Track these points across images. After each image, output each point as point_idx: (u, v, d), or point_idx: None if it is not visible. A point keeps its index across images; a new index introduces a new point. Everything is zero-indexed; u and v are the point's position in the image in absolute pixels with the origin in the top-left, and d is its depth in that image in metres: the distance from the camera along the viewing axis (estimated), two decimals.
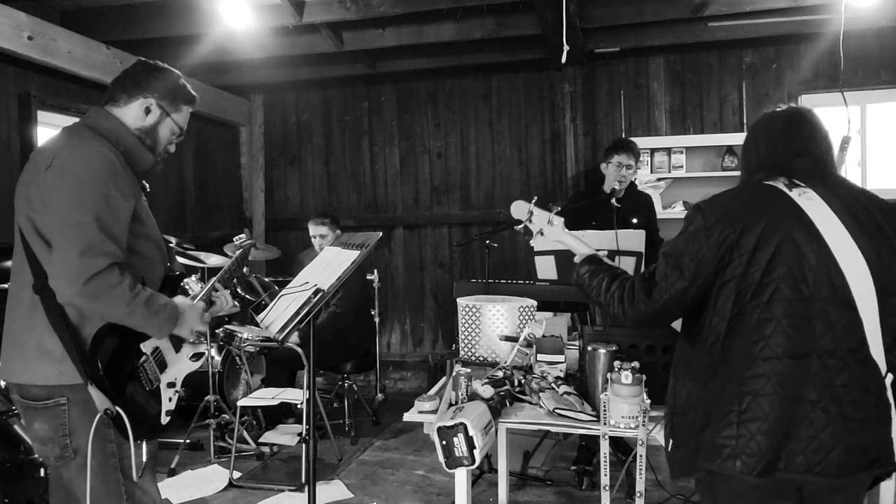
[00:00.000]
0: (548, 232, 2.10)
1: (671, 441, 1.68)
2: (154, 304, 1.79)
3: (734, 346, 1.54)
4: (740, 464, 1.49)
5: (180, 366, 2.03)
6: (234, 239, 2.57)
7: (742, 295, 1.54)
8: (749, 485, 1.52)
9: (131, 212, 1.82)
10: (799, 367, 1.49)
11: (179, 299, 1.95)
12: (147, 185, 1.99)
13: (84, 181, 1.73)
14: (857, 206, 1.59)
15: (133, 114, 1.93)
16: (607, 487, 2.12)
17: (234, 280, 4.54)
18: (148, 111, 1.94)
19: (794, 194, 1.59)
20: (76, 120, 4.66)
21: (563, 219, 2.12)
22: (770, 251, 1.52)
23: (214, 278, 2.19)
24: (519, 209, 2.16)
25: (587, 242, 2.03)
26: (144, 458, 1.86)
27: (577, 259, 2.01)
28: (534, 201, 2.14)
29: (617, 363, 2.03)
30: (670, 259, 1.63)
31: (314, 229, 4.59)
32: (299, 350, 3.86)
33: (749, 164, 1.76)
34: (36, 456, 2.80)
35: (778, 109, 1.80)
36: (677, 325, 1.84)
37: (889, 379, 1.54)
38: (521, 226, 2.16)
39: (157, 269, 1.96)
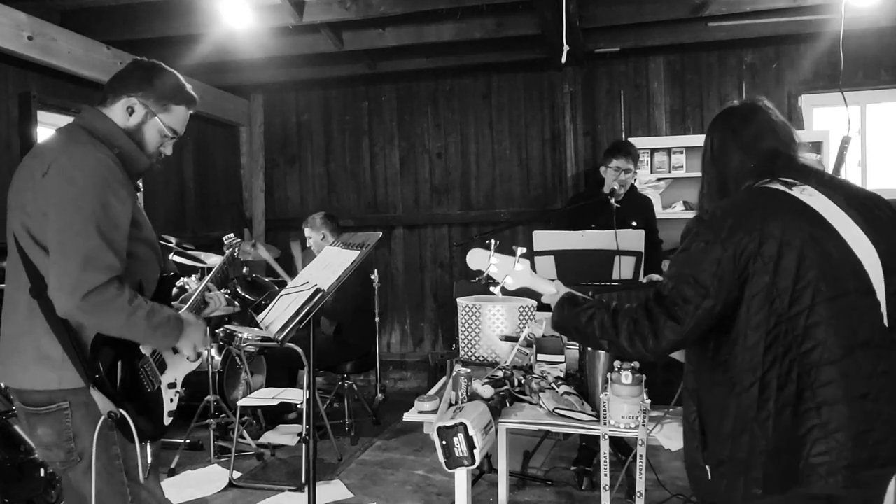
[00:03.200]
0: (513, 278, 1.95)
1: (709, 469, 1.57)
2: (155, 318, 1.77)
3: (784, 358, 1.46)
4: (841, 478, 1.43)
5: (179, 366, 2.02)
6: (224, 239, 2.58)
7: (777, 304, 1.46)
8: (827, 498, 1.46)
9: (130, 218, 1.79)
10: (852, 364, 1.45)
11: (185, 314, 1.94)
12: (140, 186, 1.97)
13: (83, 189, 1.70)
14: (847, 195, 1.58)
15: (118, 114, 1.89)
16: (607, 487, 2.12)
17: (234, 279, 4.57)
18: (131, 111, 1.89)
19: (797, 192, 1.56)
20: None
21: (528, 262, 1.95)
22: (795, 255, 1.46)
23: (207, 278, 2.19)
24: (476, 259, 1.97)
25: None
26: (149, 460, 1.85)
27: (545, 300, 1.89)
28: (494, 247, 1.96)
29: (617, 363, 2.03)
30: (688, 279, 1.52)
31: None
32: (299, 350, 3.86)
33: (721, 170, 1.69)
34: (36, 456, 2.80)
35: (735, 106, 1.73)
36: (676, 354, 1.74)
37: None
38: (484, 275, 1.97)
39: (153, 271, 1.95)
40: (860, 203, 1.58)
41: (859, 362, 1.46)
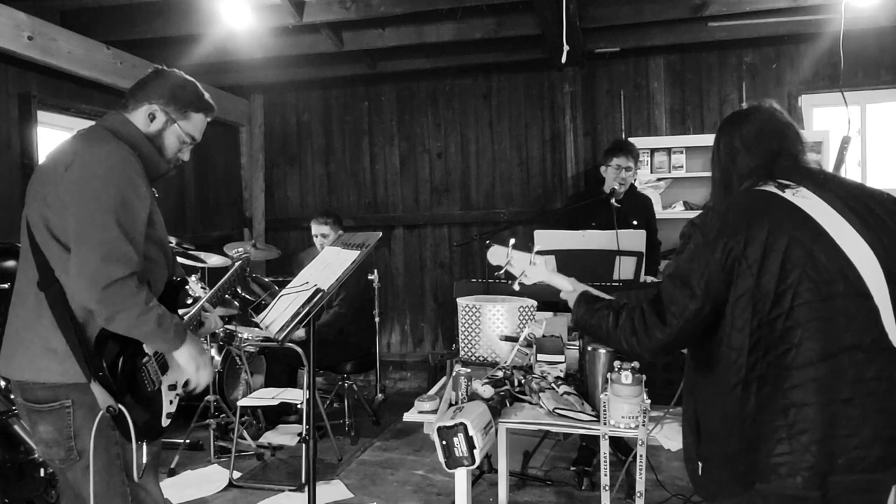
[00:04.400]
0: (531, 273, 2.06)
1: (700, 464, 1.62)
2: (165, 322, 1.80)
3: (764, 360, 1.49)
4: (801, 480, 1.44)
5: (181, 370, 2.02)
6: (233, 253, 2.53)
7: (759, 306, 1.49)
8: (788, 497, 1.48)
9: (147, 215, 1.83)
10: (831, 368, 1.46)
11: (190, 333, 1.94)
12: (156, 192, 1.99)
13: (104, 182, 1.74)
14: (849, 198, 1.57)
15: (140, 120, 1.94)
16: (607, 487, 2.12)
17: (231, 289, 4.56)
18: (153, 117, 1.94)
19: (788, 195, 1.56)
20: (76, 120, 4.63)
21: (544, 258, 2.07)
22: (779, 257, 1.48)
23: (205, 297, 2.18)
24: (496, 255, 2.10)
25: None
26: (145, 459, 1.86)
27: (563, 296, 1.97)
28: (511, 244, 2.08)
29: (617, 363, 2.03)
30: (676, 280, 1.57)
31: (316, 228, 4.61)
32: (299, 349, 3.86)
33: (726, 170, 1.72)
34: (36, 456, 2.80)
35: (742, 109, 1.77)
36: None
37: None
38: (502, 271, 2.10)
39: (162, 273, 1.97)
40: (861, 204, 1.57)
41: (843, 366, 1.46)
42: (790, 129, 1.71)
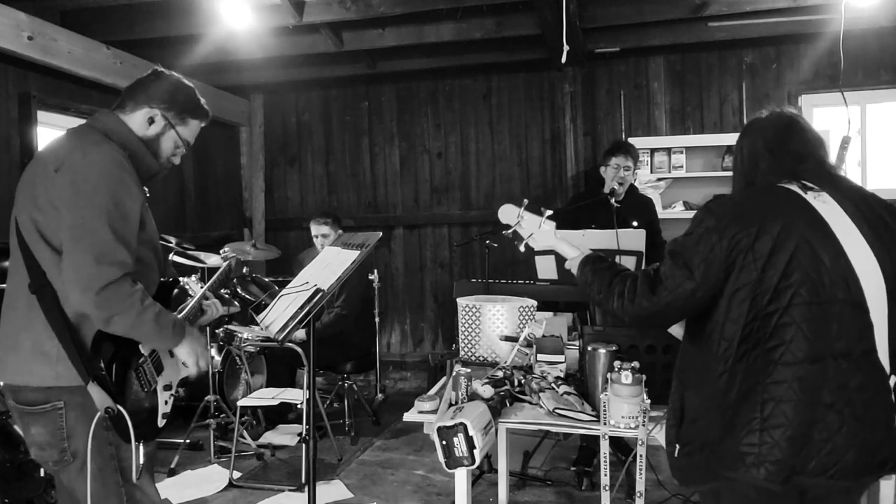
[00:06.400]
0: (538, 236, 2.06)
1: (678, 447, 1.64)
2: (162, 320, 1.80)
3: (752, 352, 1.51)
4: (764, 472, 1.47)
5: (175, 370, 2.03)
6: (220, 252, 2.56)
7: (758, 300, 1.50)
8: (758, 489, 1.50)
9: (139, 216, 1.82)
10: (816, 371, 1.47)
11: (187, 327, 1.95)
12: (147, 191, 1.99)
13: (96, 185, 1.73)
14: (866, 208, 1.58)
15: (137, 122, 1.92)
16: (607, 487, 2.12)
17: (234, 279, 4.56)
18: (151, 121, 1.93)
19: (810, 197, 1.58)
20: (76, 120, 4.63)
21: (554, 223, 2.06)
22: (787, 255, 1.49)
23: (204, 288, 2.19)
24: (507, 214, 2.09)
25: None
26: (142, 460, 1.85)
27: (567, 264, 1.97)
28: (524, 205, 2.07)
29: (617, 363, 2.03)
30: (678, 258, 1.59)
31: (316, 229, 4.61)
32: (299, 349, 3.86)
33: (749, 173, 1.73)
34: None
35: (764, 116, 1.78)
36: (675, 331, 1.81)
37: (893, 381, 1.53)
38: (511, 230, 2.11)
39: (154, 274, 1.96)
40: (878, 217, 1.58)
41: (828, 371, 1.47)
42: (813, 134, 1.73)
